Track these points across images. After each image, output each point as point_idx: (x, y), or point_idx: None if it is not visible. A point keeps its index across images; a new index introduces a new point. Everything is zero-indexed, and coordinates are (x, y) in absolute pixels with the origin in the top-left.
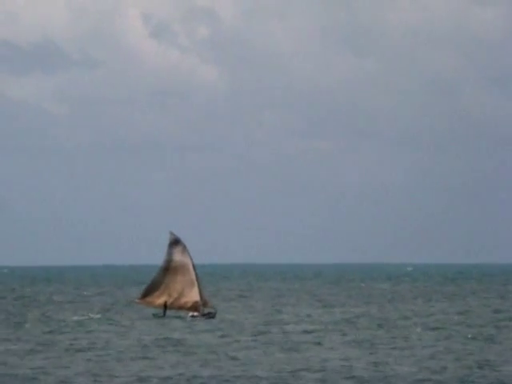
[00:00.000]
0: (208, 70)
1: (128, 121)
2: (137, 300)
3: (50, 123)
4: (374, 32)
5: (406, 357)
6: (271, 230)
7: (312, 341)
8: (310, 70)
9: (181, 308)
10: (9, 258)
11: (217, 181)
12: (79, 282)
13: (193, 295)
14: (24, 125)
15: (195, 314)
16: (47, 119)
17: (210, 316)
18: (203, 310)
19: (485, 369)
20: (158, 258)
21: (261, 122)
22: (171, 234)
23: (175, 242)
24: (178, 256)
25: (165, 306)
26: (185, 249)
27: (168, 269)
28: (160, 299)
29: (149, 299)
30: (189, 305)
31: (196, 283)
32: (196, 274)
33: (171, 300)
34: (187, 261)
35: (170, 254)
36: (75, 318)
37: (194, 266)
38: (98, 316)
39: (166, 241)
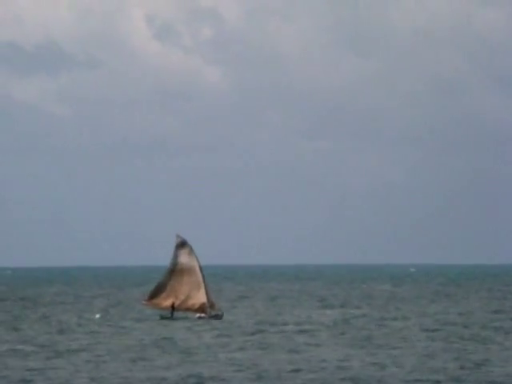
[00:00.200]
0: (211, 71)
1: (131, 121)
2: (144, 301)
3: (54, 124)
4: (376, 32)
5: (404, 357)
6: (273, 230)
7: (311, 341)
8: (313, 70)
9: (188, 310)
10: (12, 260)
11: (219, 181)
12: (81, 282)
13: (200, 297)
14: (27, 126)
15: (202, 315)
16: (51, 120)
17: (217, 318)
18: (210, 312)
19: (483, 369)
20: (160, 259)
21: (264, 122)
22: (178, 236)
23: (182, 244)
24: (184, 258)
25: (172, 308)
26: (191, 251)
27: (175, 271)
28: (167, 301)
29: (156, 301)
30: (196, 307)
31: (203, 285)
32: (203, 276)
33: (178, 302)
34: (194, 263)
35: (176, 256)
36: (75, 318)
37: (200, 268)
38: (98, 317)
39: (168, 242)
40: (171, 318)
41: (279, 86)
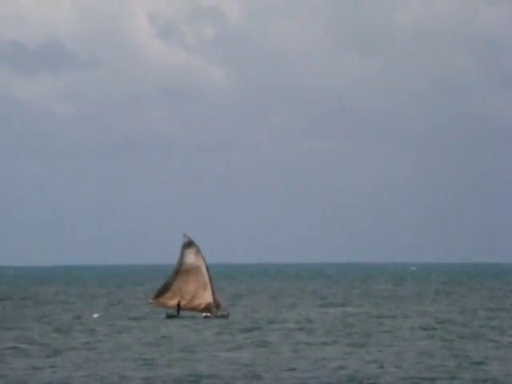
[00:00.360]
0: (214, 70)
1: (134, 121)
2: (150, 300)
3: (57, 123)
4: (379, 31)
5: (403, 355)
6: (274, 229)
7: (311, 339)
8: (316, 69)
9: (194, 309)
10: (15, 259)
11: (222, 180)
12: (81, 281)
13: (206, 297)
14: (31, 125)
15: (208, 314)
16: (54, 119)
17: (223, 318)
18: (216, 312)
19: (482, 367)
20: (161, 258)
21: (266, 121)
22: (184, 235)
23: (188, 244)
24: (191, 258)
25: (178, 307)
26: (198, 251)
27: (181, 270)
28: (173, 300)
29: (162, 300)
30: (202, 306)
31: (209, 285)
32: (209, 276)
33: (184, 302)
34: (200, 263)
35: (183, 255)
36: (75, 317)
37: (207, 268)
38: (97, 316)
39: (168, 241)
40: (177, 316)
41: (281, 85)
